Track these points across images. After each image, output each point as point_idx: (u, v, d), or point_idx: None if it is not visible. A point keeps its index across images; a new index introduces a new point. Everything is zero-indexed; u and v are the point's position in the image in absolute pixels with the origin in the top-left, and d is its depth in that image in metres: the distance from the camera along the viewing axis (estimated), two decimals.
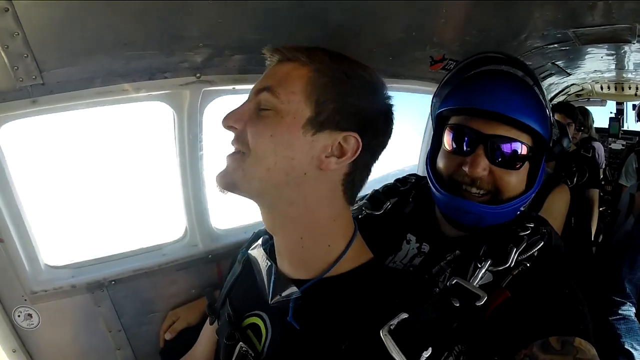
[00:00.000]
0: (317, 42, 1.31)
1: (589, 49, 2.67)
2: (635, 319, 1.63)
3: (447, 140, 0.89)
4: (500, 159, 0.84)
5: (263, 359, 0.76)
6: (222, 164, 0.74)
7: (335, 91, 0.70)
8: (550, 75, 3.43)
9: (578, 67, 3.36)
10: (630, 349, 1.54)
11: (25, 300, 1.24)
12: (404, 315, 0.65)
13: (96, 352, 1.39)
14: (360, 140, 0.70)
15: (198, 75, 1.21)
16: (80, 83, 1.08)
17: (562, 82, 4.02)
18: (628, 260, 1.72)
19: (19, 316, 1.25)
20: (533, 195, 0.90)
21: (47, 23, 0.92)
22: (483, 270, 0.79)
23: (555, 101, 4.66)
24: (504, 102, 0.81)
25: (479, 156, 0.83)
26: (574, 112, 3.54)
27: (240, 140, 0.71)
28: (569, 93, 4.77)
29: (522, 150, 0.85)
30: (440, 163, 0.91)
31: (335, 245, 0.75)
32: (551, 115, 0.88)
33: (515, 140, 0.84)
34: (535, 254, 0.83)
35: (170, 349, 1.40)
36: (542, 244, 0.84)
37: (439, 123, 0.95)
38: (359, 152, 0.71)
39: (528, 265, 0.81)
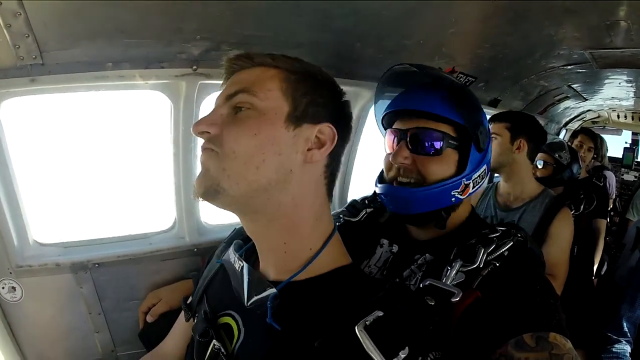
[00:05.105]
0: (319, 43, 1.32)
1: (607, 74, 2.59)
2: (630, 359, 1.57)
3: (384, 143, 1.02)
4: (418, 148, 0.93)
5: None
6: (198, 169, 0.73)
7: (307, 85, 0.74)
8: (566, 98, 3.36)
9: (595, 92, 3.29)
10: None
11: (11, 273, 1.26)
12: (380, 313, 0.64)
13: (75, 332, 1.40)
14: (334, 129, 0.74)
15: (194, 67, 1.21)
16: (79, 66, 1.09)
17: (578, 107, 3.94)
18: (629, 297, 1.66)
19: (2, 288, 1.26)
20: (463, 179, 0.94)
21: (49, 6, 0.93)
22: (454, 271, 0.80)
23: (569, 126, 4.57)
24: (419, 99, 0.94)
25: (401, 147, 0.94)
26: (597, 138, 3.47)
27: (216, 142, 0.69)
28: (584, 119, 4.67)
29: (438, 137, 0.92)
30: (383, 164, 1.02)
31: (316, 247, 0.75)
32: (478, 107, 0.96)
33: (431, 130, 0.92)
34: (506, 253, 0.83)
35: (150, 331, 1.35)
36: (511, 243, 0.84)
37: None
38: (336, 140, 0.74)
39: (497, 264, 0.81)
